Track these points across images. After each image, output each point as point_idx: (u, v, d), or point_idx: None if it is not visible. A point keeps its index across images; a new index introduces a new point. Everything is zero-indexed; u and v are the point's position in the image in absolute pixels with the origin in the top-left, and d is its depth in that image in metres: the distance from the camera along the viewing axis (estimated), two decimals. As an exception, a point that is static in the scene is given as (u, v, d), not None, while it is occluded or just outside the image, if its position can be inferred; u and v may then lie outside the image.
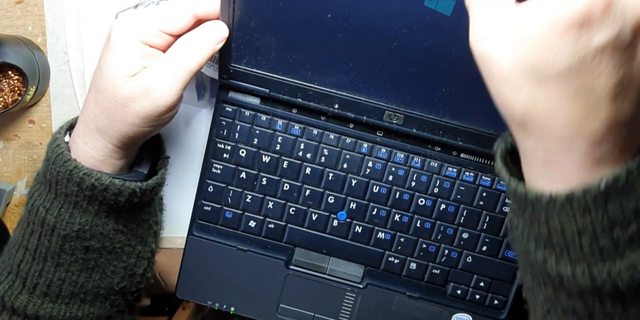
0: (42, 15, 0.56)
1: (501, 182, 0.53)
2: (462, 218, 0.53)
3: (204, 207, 0.54)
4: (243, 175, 0.53)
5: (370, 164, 0.53)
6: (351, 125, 0.52)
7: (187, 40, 0.43)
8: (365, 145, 0.53)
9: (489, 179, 0.53)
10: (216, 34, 0.44)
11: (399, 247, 0.54)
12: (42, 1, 0.56)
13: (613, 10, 0.28)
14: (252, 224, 0.54)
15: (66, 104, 0.58)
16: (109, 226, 0.46)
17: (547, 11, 0.29)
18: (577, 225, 0.31)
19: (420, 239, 0.54)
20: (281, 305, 0.56)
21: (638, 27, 0.29)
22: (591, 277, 0.32)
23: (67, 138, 0.47)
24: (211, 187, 0.54)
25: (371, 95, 0.49)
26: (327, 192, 0.53)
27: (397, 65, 0.46)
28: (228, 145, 0.53)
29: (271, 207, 0.54)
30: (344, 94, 0.49)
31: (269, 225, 0.54)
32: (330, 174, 0.53)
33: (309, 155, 0.53)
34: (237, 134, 0.53)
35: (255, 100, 0.52)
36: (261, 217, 0.54)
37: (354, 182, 0.53)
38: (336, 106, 0.50)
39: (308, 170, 0.53)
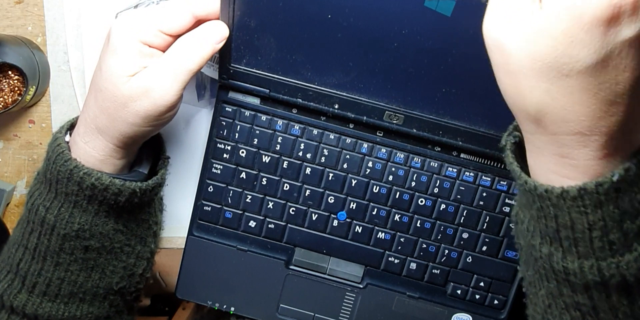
0: (42, 15, 0.56)
1: (501, 182, 0.53)
2: (462, 218, 0.53)
3: (204, 207, 0.54)
4: (243, 175, 0.53)
5: (370, 164, 0.53)
6: (351, 126, 0.52)
7: (188, 40, 0.43)
8: (365, 145, 0.53)
9: (489, 179, 0.53)
10: (216, 33, 0.44)
11: (399, 247, 0.54)
12: (42, 1, 0.56)
13: None
14: (252, 224, 0.54)
15: (66, 104, 0.58)
16: (109, 226, 0.46)
17: (571, 5, 0.28)
18: (589, 220, 0.31)
19: (420, 239, 0.54)
20: (281, 305, 0.56)
21: None
22: (599, 271, 0.32)
23: (67, 138, 0.47)
24: (211, 187, 0.54)
25: (371, 96, 0.49)
26: (327, 192, 0.53)
27: (397, 66, 0.46)
28: (228, 145, 0.53)
29: (271, 207, 0.54)
30: (344, 94, 0.49)
31: (269, 226, 0.54)
32: (330, 174, 0.53)
33: (309, 156, 0.53)
34: (237, 134, 0.53)
35: (255, 101, 0.52)
36: (261, 217, 0.54)
37: (354, 182, 0.53)
38: (336, 106, 0.50)
39: (308, 171, 0.53)
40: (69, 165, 0.43)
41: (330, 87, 0.49)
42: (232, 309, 0.56)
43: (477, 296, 0.54)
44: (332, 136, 0.53)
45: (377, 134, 0.52)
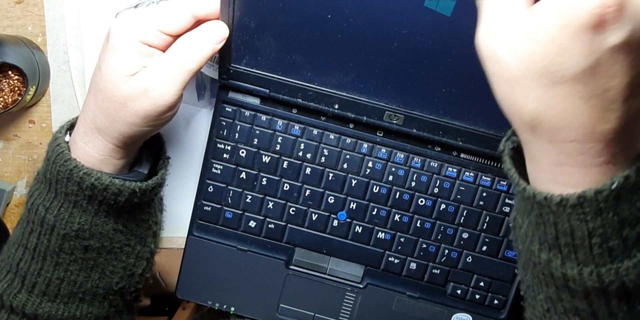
0: (42, 15, 0.56)
1: (501, 182, 0.53)
2: (462, 218, 0.53)
3: (204, 207, 0.54)
4: (243, 175, 0.53)
5: (370, 164, 0.53)
6: (351, 126, 0.52)
7: (187, 40, 0.43)
8: (365, 145, 0.53)
9: (489, 179, 0.53)
10: (216, 34, 0.44)
11: (399, 247, 0.54)
12: (42, 1, 0.56)
13: (625, 10, 0.28)
14: (252, 224, 0.54)
15: (66, 104, 0.58)
16: (109, 226, 0.46)
17: (558, 14, 0.29)
18: (588, 227, 0.31)
19: (420, 239, 0.54)
20: (281, 305, 0.56)
21: None
22: (599, 278, 0.32)
23: (67, 138, 0.47)
24: (211, 187, 0.54)
25: (371, 96, 0.49)
26: (327, 192, 0.53)
27: (397, 66, 0.46)
28: (228, 145, 0.53)
29: (271, 207, 0.54)
30: (344, 94, 0.49)
31: (269, 226, 0.54)
32: (330, 174, 0.53)
33: (309, 156, 0.53)
34: (237, 134, 0.53)
35: (255, 101, 0.52)
36: (261, 217, 0.54)
37: (354, 182, 0.53)
38: (336, 106, 0.50)
39: (308, 171, 0.53)
40: (69, 165, 0.43)
41: (330, 87, 0.49)
42: (232, 309, 0.56)
43: (477, 296, 0.54)
44: (332, 136, 0.53)
45: (377, 134, 0.52)
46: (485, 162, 0.52)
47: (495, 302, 0.54)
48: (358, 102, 0.49)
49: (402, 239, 0.54)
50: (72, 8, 0.55)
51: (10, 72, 0.54)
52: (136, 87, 0.42)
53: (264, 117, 0.52)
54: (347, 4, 0.44)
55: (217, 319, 0.61)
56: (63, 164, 0.43)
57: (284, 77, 0.49)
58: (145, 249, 0.51)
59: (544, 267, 0.34)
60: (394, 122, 0.50)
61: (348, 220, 0.54)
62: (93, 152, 0.45)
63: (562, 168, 0.32)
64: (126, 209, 0.47)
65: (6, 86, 0.54)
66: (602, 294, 0.33)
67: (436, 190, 0.53)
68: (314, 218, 0.54)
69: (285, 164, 0.53)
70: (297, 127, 0.52)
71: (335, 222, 0.54)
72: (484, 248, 0.53)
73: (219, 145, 0.53)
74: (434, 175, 0.53)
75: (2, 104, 0.54)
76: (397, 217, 0.53)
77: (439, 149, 0.52)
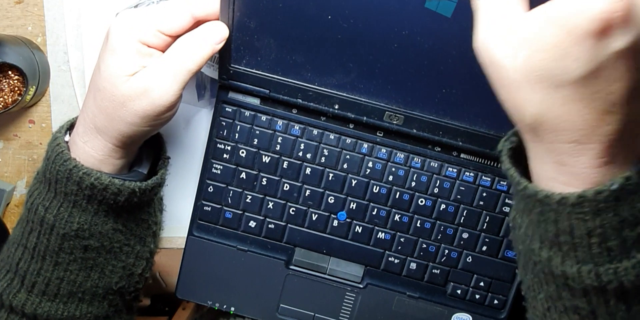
0: (42, 15, 0.56)
1: (501, 182, 0.53)
2: (462, 218, 0.53)
3: (204, 208, 0.54)
4: (243, 175, 0.53)
5: (370, 164, 0.53)
6: (351, 126, 0.52)
7: (187, 40, 0.43)
8: (365, 145, 0.53)
9: (489, 179, 0.53)
10: (216, 34, 0.44)
11: (399, 247, 0.54)
12: (42, 1, 0.56)
13: (632, 16, 0.28)
14: (252, 224, 0.54)
15: (66, 104, 0.58)
16: (108, 225, 0.46)
17: (562, 19, 0.29)
18: (587, 226, 0.31)
19: (420, 239, 0.54)
20: (281, 305, 0.56)
21: None
22: (597, 277, 0.32)
23: (67, 137, 0.47)
24: (211, 187, 0.54)
25: (371, 96, 0.49)
26: (327, 192, 0.53)
27: (398, 66, 0.46)
28: (228, 145, 0.53)
29: (271, 207, 0.54)
30: (344, 94, 0.49)
31: (269, 226, 0.54)
32: (331, 174, 0.53)
33: (309, 156, 0.53)
34: (237, 135, 0.53)
35: (255, 101, 0.52)
36: (261, 217, 0.54)
37: (354, 182, 0.53)
38: (336, 107, 0.50)
39: (308, 171, 0.53)
40: (69, 165, 0.43)
41: (330, 87, 0.49)
42: (232, 309, 0.56)
43: (477, 296, 0.54)
44: (332, 136, 0.53)
45: (377, 134, 0.52)
46: (485, 162, 0.52)
47: (495, 302, 0.54)
48: (358, 103, 0.49)
49: (402, 239, 0.54)
50: (72, 8, 0.55)
51: (10, 72, 0.54)
52: (136, 87, 0.42)
53: (264, 118, 0.52)
54: (347, 5, 0.44)
55: (217, 319, 0.61)
56: (63, 163, 0.43)
57: (284, 78, 0.49)
58: (145, 248, 0.51)
59: (545, 266, 0.34)
60: (394, 122, 0.50)
61: (348, 220, 0.54)
62: (92, 152, 0.45)
63: (563, 168, 0.33)
64: (126, 208, 0.47)
65: (6, 86, 0.54)
66: (600, 293, 0.33)
67: (436, 190, 0.53)
68: (314, 218, 0.54)
69: (285, 164, 0.53)
70: (297, 127, 0.52)
71: (335, 222, 0.54)
72: (484, 248, 0.53)
73: (219, 145, 0.53)
74: (434, 175, 0.53)
75: (2, 104, 0.54)
76: (397, 217, 0.53)
77: (439, 149, 0.52)
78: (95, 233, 0.46)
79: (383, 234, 0.54)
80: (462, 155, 0.53)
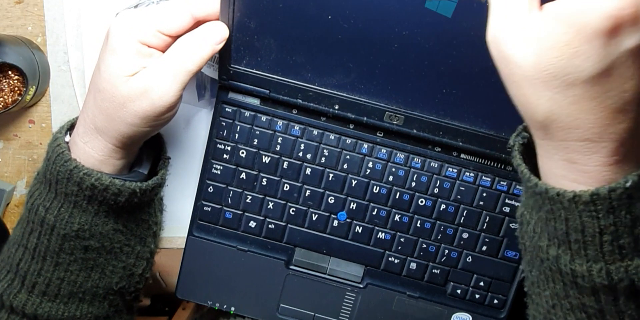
0: (42, 15, 0.56)
1: (501, 183, 0.53)
2: (462, 218, 0.53)
3: (204, 208, 0.54)
4: (243, 175, 0.53)
5: (370, 165, 0.53)
6: (351, 126, 0.52)
7: (187, 41, 0.43)
8: (365, 145, 0.53)
9: (489, 179, 0.53)
10: (216, 34, 0.44)
11: (399, 247, 0.54)
12: (42, 1, 0.56)
13: None
14: (252, 224, 0.54)
15: (66, 104, 0.58)
16: (109, 226, 0.46)
17: (573, 17, 0.29)
18: (600, 224, 0.31)
19: (420, 239, 0.54)
20: (281, 305, 0.56)
21: None
22: (608, 275, 0.32)
23: (67, 138, 0.47)
24: (211, 187, 0.54)
25: (371, 96, 0.49)
26: (327, 192, 0.53)
27: (398, 67, 0.46)
28: (228, 145, 0.53)
29: (271, 207, 0.54)
30: (344, 94, 0.49)
31: (269, 226, 0.54)
32: (331, 175, 0.53)
33: (309, 156, 0.53)
34: (237, 135, 0.53)
35: (255, 101, 0.52)
36: (261, 218, 0.54)
37: (354, 182, 0.53)
38: (336, 107, 0.50)
39: (308, 171, 0.53)
40: (69, 166, 0.43)
41: (330, 87, 0.49)
42: (233, 309, 0.56)
43: (477, 296, 0.54)
44: (332, 137, 0.53)
45: (377, 134, 0.52)
46: (485, 163, 0.52)
47: (495, 301, 0.55)
48: (358, 103, 0.49)
49: (402, 239, 0.54)
50: (72, 8, 0.55)
51: (10, 72, 0.54)
52: (136, 88, 0.42)
53: (264, 118, 0.52)
54: (347, 5, 0.44)
55: (217, 319, 0.61)
56: (63, 164, 0.43)
57: (284, 78, 0.49)
58: (145, 249, 0.51)
59: (552, 263, 0.34)
60: (394, 122, 0.50)
61: (348, 220, 0.54)
62: (93, 153, 0.45)
63: (574, 166, 0.33)
64: (126, 209, 0.47)
65: (6, 86, 0.54)
66: (610, 292, 0.33)
67: (436, 190, 0.53)
68: (314, 218, 0.54)
69: (285, 165, 0.53)
70: (297, 128, 0.52)
71: (336, 222, 0.54)
72: (484, 248, 0.53)
73: (219, 145, 0.53)
74: (434, 175, 0.53)
75: (2, 104, 0.54)
76: (397, 217, 0.53)
77: (439, 149, 0.52)
78: (96, 233, 0.46)
79: (383, 234, 0.54)
80: (462, 156, 0.53)
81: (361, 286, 0.55)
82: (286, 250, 0.55)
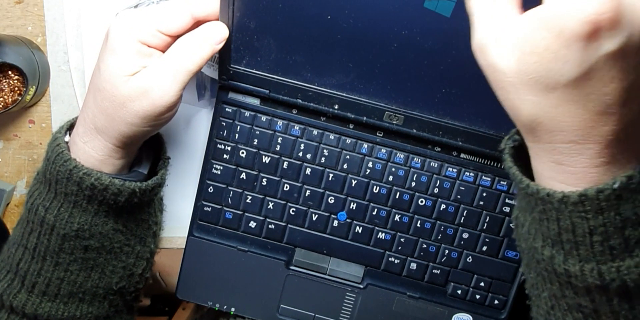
0: (42, 15, 0.56)
1: (501, 182, 0.53)
2: (462, 218, 0.53)
3: (204, 208, 0.54)
4: (243, 175, 0.53)
5: (370, 165, 0.53)
6: (351, 126, 0.52)
7: (187, 41, 0.43)
8: (365, 145, 0.53)
9: (489, 179, 0.53)
10: (216, 34, 0.44)
11: (399, 247, 0.54)
12: (42, 1, 0.56)
13: (621, 17, 0.28)
14: (252, 224, 0.54)
15: (66, 104, 0.58)
16: (108, 226, 0.46)
17: (552, 22, 0.29)
18: (589, 225, 0.32)
19: (421, 239, 0.54)
20: (281, 305, 0.56)
21: None
22: (600, 275, 0.32)
23: (67, 138, 0.47)
24: (211, 187, 0.54)
25: (371, 96, 0.49)
26: (327, 192, 0.53)
27: (397, 66, 0.46)
28: (228, 146, 0.53)
29: (271, 207, 0.54)
30: (344, 94, 0.49)
31: (269, 226, 0.54)
32: (331, 175, 0.53)
33: (309, 156, 0.53)
34: (237, 135, 0.53)
35: (255, 101, 0.52)
36: (261, 218, 0.54)
37: (354, 182, 0.53)
38: (336, 107, 0.50)
39: (308, 171, 0.53)
40: (69, 166, 0.43)
41: (330, 87, 0.49)
42: (233, 309, 0.56)
43: (478, 296, 0.54)
44: (332, 137, 0.52)
45: (377, 134, 0.52)
46: (485, 162, 0.52)
47: (496, 302, 0.54)
48: (358, 103, 0.49)
49: (402, 239, 0.54)
50: (72, 8, 0.55)
51: (10, 72, 0.54)
52: (136, 87, 0.42)
53: (264, 118, 0.52)
54: (346, 5, 0.44)
55: (217, 319, 0.61)
56: (63, 164, 0.43)
57: (283, 78, 0.49)
58: (145, 249, 0.51)
59: (547, 264, 0.35)
60: (394, 122, 0.50)
61: (348, 220, 0.54)
62: (93, 152, 0.45)
63: (562, 167, 0.33)
64: (126, 209, 0.47)
65: (6, 86, 0.54)
66: (603, 292, 0.33)
67: (436, 190, 0.53)
68: (314, 218, 0.54)
69: (285, 165, 0.53)
70: (297, 128, 0.52)
71: (336, 223, 0.54)
72: (484, 248, 0.53)
73: (219, 145, 0.53)
74: (434, 175, 0.53)
75: (2, 104, 0.54)
76: (397, 218, 0.53)
77: (439, 149, 0.52)
78: (96, 233, 0.46)
79: (383, 234, 0.54)
80: (462, 155, 0.53)
81: (361, 286, 0.55)
82: (286, 250, 0.55)
